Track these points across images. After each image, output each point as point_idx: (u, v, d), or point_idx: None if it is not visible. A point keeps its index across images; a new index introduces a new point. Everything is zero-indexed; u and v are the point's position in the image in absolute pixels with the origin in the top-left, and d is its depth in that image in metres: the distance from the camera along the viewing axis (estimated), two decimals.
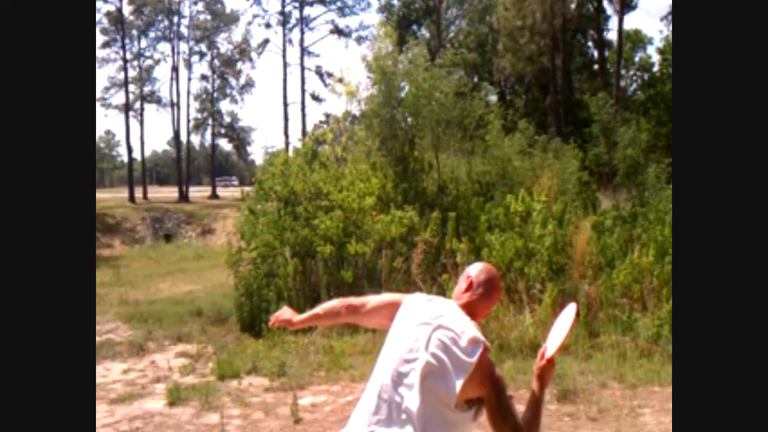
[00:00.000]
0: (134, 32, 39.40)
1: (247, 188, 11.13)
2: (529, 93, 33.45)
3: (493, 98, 18.09)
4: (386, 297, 2.36)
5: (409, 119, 10.12)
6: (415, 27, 37.50)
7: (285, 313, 2.38)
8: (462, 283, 2.20)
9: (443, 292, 6.82)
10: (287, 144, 33.69)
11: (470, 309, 2.11)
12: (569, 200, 8.76)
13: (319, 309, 2.44)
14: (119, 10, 37.88)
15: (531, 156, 10.95)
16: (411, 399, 1.91)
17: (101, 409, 5.10)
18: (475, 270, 2.21)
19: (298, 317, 2.40)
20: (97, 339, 7.68)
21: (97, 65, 39.25)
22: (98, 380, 5.91)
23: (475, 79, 28.60)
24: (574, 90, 30.55)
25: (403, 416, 1.91)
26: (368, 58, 10.35)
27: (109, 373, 6.22)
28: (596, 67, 30.72)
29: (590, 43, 32.41)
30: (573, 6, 29.53)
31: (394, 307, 2.22)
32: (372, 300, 2.36)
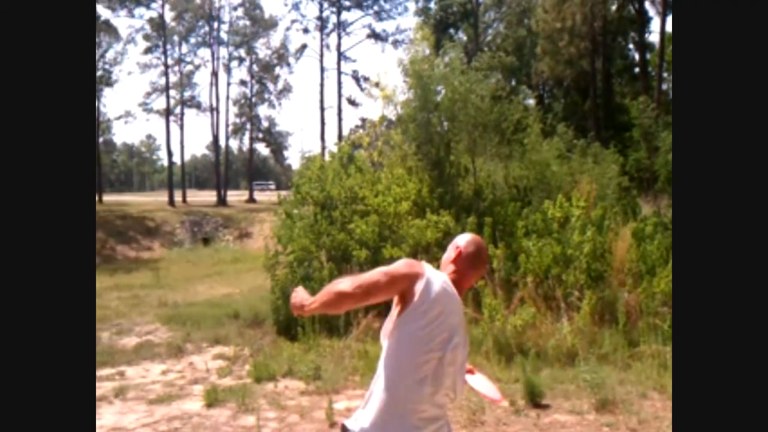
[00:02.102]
0: (175, 38, 40.30)
1: (284, 192, 11.25)
2: (567, 97, 32.99)
3: (531, 102, 17.90)
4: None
5: (445, 123, 10.09)
6: (452, 30, 37.42)
7: (299, 294, 2.38)
8: (450, 252, 2.29)
9: (479, 298, 6.76)
10: (323, 148, 33.96)
11: (458, 281, 2.19)
12: (609, 206, 8.58)
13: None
14: (161, 16, 38.83)
15: (569, 161, 10.77)
16: (462, 383, 2.12)
17: (140, 409, 5.20)
18: (464, 241, 2.29)
19: (308, 305, 2.32)
20: (137, 340, 7.87)
21: (139, 71, 40.33)
22: (138, 380, 6.04)
23: (513, 83, 28.38)
24: (614, 93, 30.03)
25: (450, 397, 2.09)
26: (405, 62, 10.36)
27: (148, 373, 6.34)
28: (637, 70, 30.15)
29: (631, 46, 31.85)
30: (613, 8, 29.05)
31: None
32: None
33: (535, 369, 5.41)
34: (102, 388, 5.77)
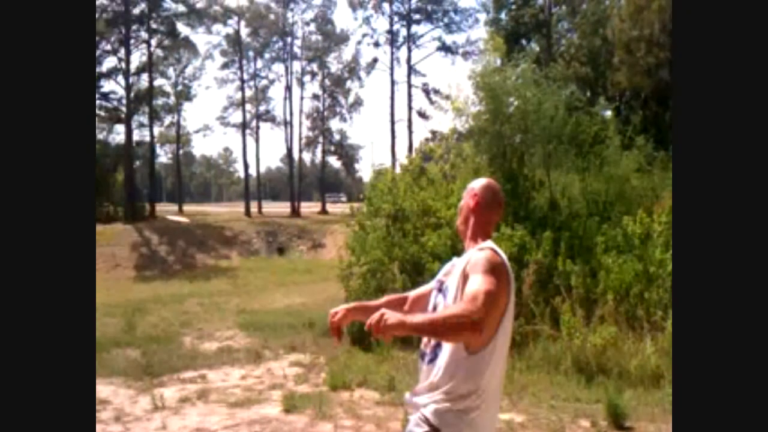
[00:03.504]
0: (251, 54, 41.76)
1: (356, 204, 11.43)
2: (646, 108, 31.80)
3: (608, 113, 17.40)
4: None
5: (518, 135, 9.96)
6: (523, 41, 36.96)
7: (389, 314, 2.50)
8: (469, 200, 2.35)
9: (556, 315, 6.63)
10: (394, 161, 34.21)
11: (484, 227, 2.31)
12: None
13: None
14: (237, 32, 40.36)
15: (650, 174, 10.40)
16: None
17: (222, 412, 5.40)
18: (479, 187, 2.36)
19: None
20: (218, 345, 8.17)
21: (216, 86, 42.03)
22: (218, 384, 6.28)
23: (588, 94, 27.69)
24: None
25: None
26: (475, 73, 10.33)
27: (228, 377, 6.58)
28: None
29: None
30: None
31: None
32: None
33: (618, 390, 5.25)
34: (186, 390, 6.04)
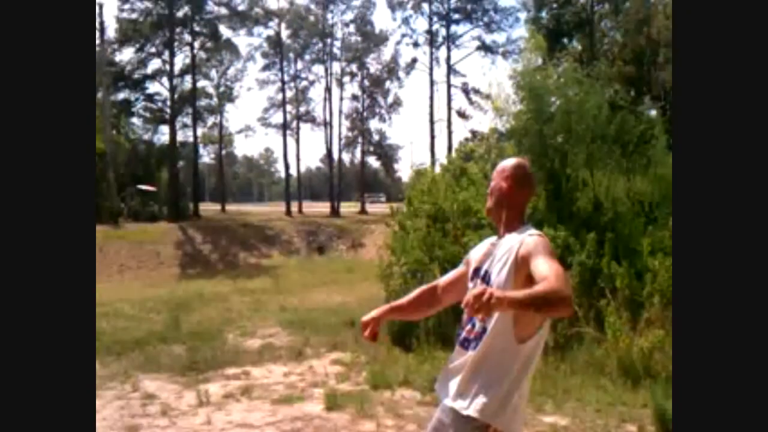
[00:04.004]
0: (291, 55, 42.23)
1: (395, 204, 11.45)
2: None
3: (654, 113, 17.01)
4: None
5: (561, 135, 9.82)
6: (565, 40, 36.37)
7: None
8: (501, 182, 2.30)
9: (601, 317, 6.51)
10: (433, 161, 34.13)
11: (519, 206, 2.29)
12: None
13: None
14: (278, 34, 40.89)
15: None
16: None
17: (264, 408, 5.48)
18: (510, 166, 2.32)
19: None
20: (260, 342, 8.29)
21: (257, 87, 42.65)
22: (261, 381, 6.37)
23: (633, 93, 27.07)
24: None
25: None
26: (516, 72, 10.23)
27: (271, 374, 6.67)
28: None
29: None
30: None
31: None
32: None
33: (666, 394, 5.13)
34: (229, 386, 6.15)
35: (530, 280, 2.02)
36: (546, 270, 1.95)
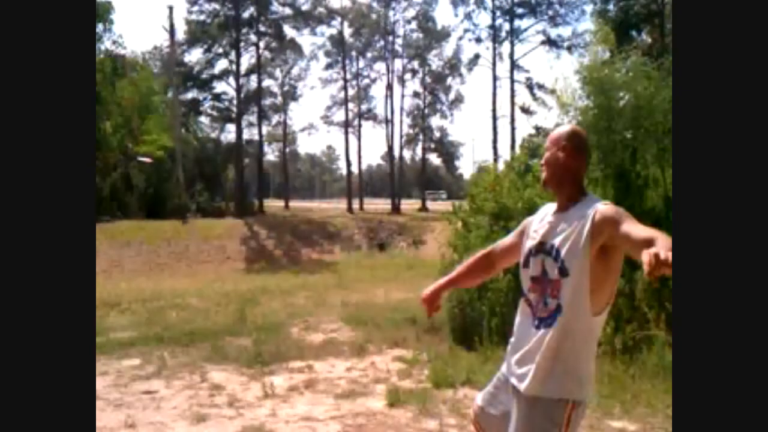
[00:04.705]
0: (353, 53, 42.62)
1: (457, 202, 11.37)
2: None
3: None
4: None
5: (630, 131, 9.49)
6: (633, 32, 35.10)
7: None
8: (557, 152, 2.21)
9: (670, 320, 6.26)
10: (496, 158, 33.73)
11: (578, 175, 2.25)
12: None
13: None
14: (341, 33, 41.31)
15: None
16: None
17: (328, 402, 5.55)
18: (566, 135, 2.24)
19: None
20: (323, 337, 8.41)
21: (320, 85, 43.30)
22: (325, 375, 6.46)
23: None
24: None
25: None
26: (583, 67, 9.95)
27: (334, 369, 6.75)
28: None
29: None
30: None
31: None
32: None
33: None
34: (294, 379, 6.27)
35: (603, 251, 2.02)
36: (645, 229, 1.91)
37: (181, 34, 38.13)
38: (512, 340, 2.41)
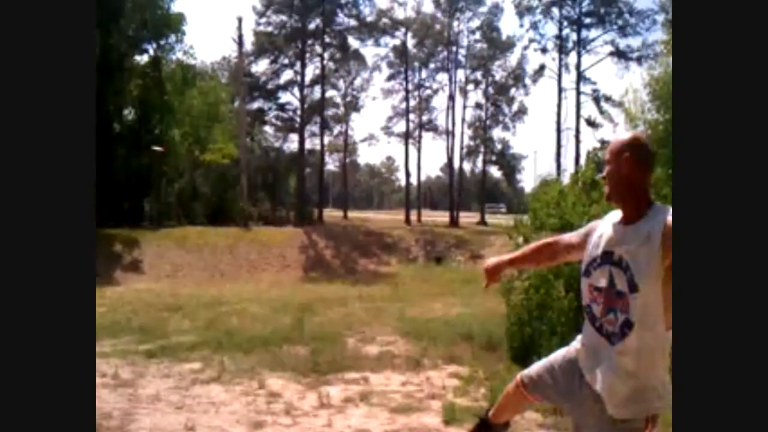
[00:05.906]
0: (416, 64, 42.69)
1: (517, 216, 11.15)
2: None
3: None
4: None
5: None
6: None
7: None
8: (620, 166, 2.11)
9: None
10: (560, 172, 33.02)
11: (641, 188, 2.14)
12: None
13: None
14: (404, 44, 41.49)
15: None
16: None
17: (382, 416, 5.51)
18: (629, 145, 2.14)
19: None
20: (379, 349, 8.38)
21: (382, 96, 43.56)
22: (380, 388, 6.42)
23: None
24: None
25: None
26: (653, 78, 9.64)
27: (389, 382, 6.71)
28: None
29: None
30: None
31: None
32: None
33: None
34: (349, 390, 6.26)
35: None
36: None
37: (249, 45, 39.33)
38: (583, 341, 2.33)
